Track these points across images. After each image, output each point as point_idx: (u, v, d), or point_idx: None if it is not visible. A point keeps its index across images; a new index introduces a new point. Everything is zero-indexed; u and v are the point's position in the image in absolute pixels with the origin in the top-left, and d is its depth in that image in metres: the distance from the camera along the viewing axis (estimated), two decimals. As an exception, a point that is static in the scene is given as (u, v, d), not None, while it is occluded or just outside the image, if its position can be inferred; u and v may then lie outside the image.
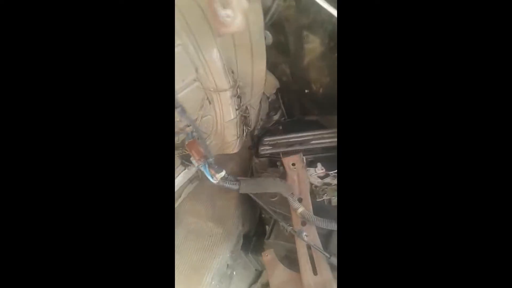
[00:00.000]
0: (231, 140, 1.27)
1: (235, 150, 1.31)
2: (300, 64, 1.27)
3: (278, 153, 1.25)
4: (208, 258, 1.10)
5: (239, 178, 0.95)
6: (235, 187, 0.92)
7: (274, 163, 1.23)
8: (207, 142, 1.21)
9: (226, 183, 0.90)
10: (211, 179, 0.88)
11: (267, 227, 1.43)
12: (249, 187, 0.95)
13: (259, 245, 1.25)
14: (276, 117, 1.40)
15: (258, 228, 1.36)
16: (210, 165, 0.86)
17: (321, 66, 1.24)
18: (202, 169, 0.86)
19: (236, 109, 1.22)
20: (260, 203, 1.04)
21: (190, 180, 1.30)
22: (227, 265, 1.15)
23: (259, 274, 1.43)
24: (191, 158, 0.86)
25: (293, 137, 1.28)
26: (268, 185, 0.97)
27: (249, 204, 1.34)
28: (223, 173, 0.89)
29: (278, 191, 0.99)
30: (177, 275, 1.05)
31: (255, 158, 1.31)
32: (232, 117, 1.22)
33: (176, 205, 1.26)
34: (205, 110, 1.22)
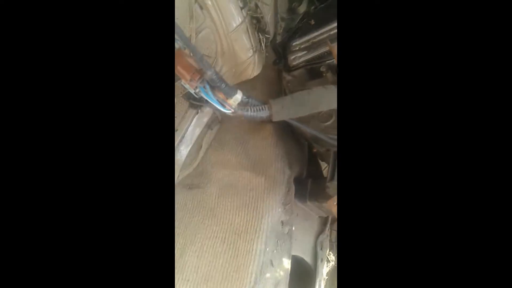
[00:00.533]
0: (246, 57, 0.89)
1: (256, 72, 0.93)
2: None
3: (318, 57, 0.85)
4: (254, 218, 0.81)
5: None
6: (265, 113, 0.57)
7: (316, 73, 0.84)
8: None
9: (248, 110, 0.55)
10: (222, 109, 0.53)
11: (322, 164, 1.10)
12: (287, 109, 0.59)
13: (318, 189, 0.93)
14: (302, 9, 0.96)
15: (311, 167, 1.03)
16: (213, 85, 0.51)
17: None
18: (203, 94, 0.52)
19: (241, 8, 0.82)
20: (309, 130, 0.69)
21: (209, 126, 0.98)
22: (282, 222, 0.86)
23: (324, 221, 1.15)
24: (182, 82, 0.52)
25: (333, 28, 0.85)
26: (317, 100, 0.60)
27: (291, 137, 1.00)
28: (239, 96, 0.54)
29: (332, 107, 0.62)
30: (219, 244, 0.79)
31: (285, 74, 0.92)
32: (239, 20, 0.83)
33: (199, 158, 0.97)
34: (198, 21, 0.84)
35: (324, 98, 0.60)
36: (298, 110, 0.60)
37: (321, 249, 1.11)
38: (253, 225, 0.80)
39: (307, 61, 0.87)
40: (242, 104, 0.55)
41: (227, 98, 0.53)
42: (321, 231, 1.13)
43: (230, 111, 0.54)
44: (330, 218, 1.14)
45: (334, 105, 0.62)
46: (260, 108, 0.56)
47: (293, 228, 0.91)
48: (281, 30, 0.95)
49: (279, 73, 0.99)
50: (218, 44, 0.86)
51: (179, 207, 0.89)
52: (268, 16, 0.94)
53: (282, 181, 0.89)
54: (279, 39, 0.95)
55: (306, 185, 0.96)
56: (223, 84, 0.51)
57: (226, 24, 0.84)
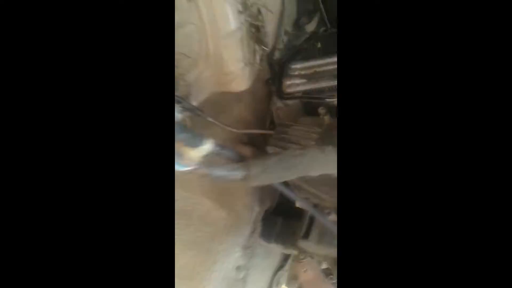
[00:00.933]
0: (235, 69, 0.74)
1: (244, 87, 0.79)
2: None
3: (318, 91, 0.72)
4: (204, 263, 0.70)
5: (241, 155, 0.46)
6: (239, 174, 0.44)
7: (312, 109, 0.72)
8: (194, 74, 0.71)
9: (214, 169, 0.42)
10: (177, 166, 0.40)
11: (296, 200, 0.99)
12: (269, 174, 0.47)
13: (287, 232, 0.83)
14: (311, 27, 0.82)
15: (283, 203, 0.92)
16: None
17: None
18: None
19: (240, 12, 0.67)
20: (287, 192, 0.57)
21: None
22: (237, 267, 0.75)
23: (285, 257, 1.06)
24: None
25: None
26: (309, 164, 0.48)
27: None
28: (206, 146, 0.40)
29: (326, 171, 0.51)
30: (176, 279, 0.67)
31: (277, 99, 0.79)
32: (233, 27, 0.68)
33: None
34: (182, 14, 0.67)
35: (318, 163, 0.48)
36: (283, 175, 0.48)
37: (277, 285, 1.03)
38: (201, 271, 0.69)
39: (305, 92, 0.74)
40: (207, 155, 0.42)
41: (189, 148, 0.39)
42: (280, 267, 1.05)
43: (188, 167, 0.40)
44: (292, 255, 1.06)
45: (328, 170, 0.50)
46: (233, 168, 0.43)
47: (249, 272, 0.81)
48: (283, 46, 0.81)
49: (271, 94, 0.85)
50: (202, 45, 0.70)
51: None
52: (270, 26, 0.79)
53: (248, 220, 0.78)
54: (277, 55, 0.81)
55: (274, 224, 0.85)
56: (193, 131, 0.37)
57: (218, 26, 0.68)
